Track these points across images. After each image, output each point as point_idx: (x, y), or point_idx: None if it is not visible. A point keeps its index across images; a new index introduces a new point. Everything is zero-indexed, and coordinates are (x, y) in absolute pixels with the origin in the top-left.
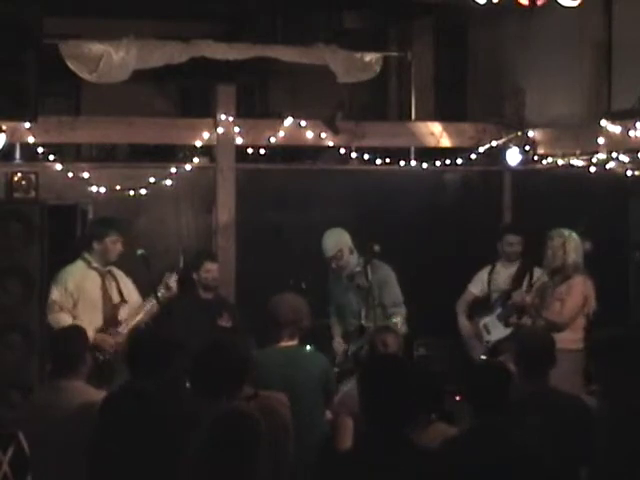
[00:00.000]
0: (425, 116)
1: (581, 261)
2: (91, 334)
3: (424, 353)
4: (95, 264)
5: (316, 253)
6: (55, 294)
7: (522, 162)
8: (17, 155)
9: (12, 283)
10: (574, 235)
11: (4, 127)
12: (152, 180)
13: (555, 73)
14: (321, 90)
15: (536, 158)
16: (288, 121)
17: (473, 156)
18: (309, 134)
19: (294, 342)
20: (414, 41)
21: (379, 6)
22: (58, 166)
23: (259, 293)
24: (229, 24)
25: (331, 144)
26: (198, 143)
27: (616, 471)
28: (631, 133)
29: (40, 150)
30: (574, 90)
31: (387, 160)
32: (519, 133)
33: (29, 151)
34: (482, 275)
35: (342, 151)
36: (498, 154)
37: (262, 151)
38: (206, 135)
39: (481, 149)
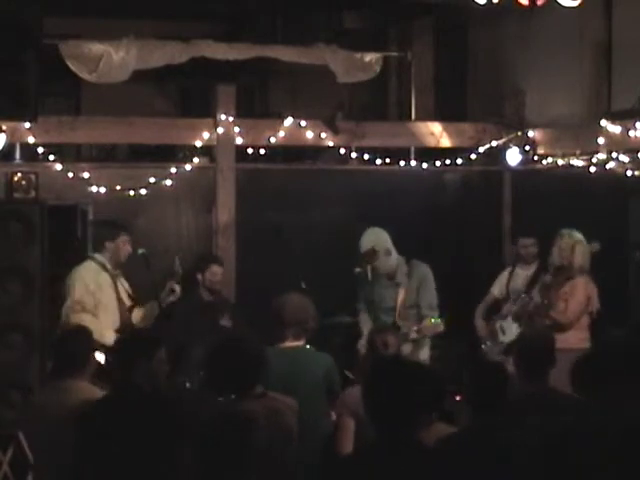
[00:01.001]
0: (425, 116)
1: (587, 266)
2: (112, 335)
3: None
4: (108, 265)
5: (316, 253)
6: (77, 293)
7: (522, 162)
8: (17, 155)
9: (12, 283)
10: (584, 240)
11: (4, 127)
12: (152, 180)
13: (555, 73)
14: (321, 90)
15: (536, 158)
16: (288, 121)
17: (473, 156)
18: (309, 134)
19: (299, 342)
20: (414, 41)
21: (379, 6)
22: (58, 166)
23: (259, 293)
24: (229, 24)
25: (331, 144)
26: (198, 143)
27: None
28: (631, 133)
29: (40, 150)
30: (574, 90)
31: (387, 160)
32: (519, 133)
33: (29, 151)
34: (502, 277)
35: (342, 151)
36: (498, 154)
37: (262, 151)
38: (206, 135)
39: (481, 149)
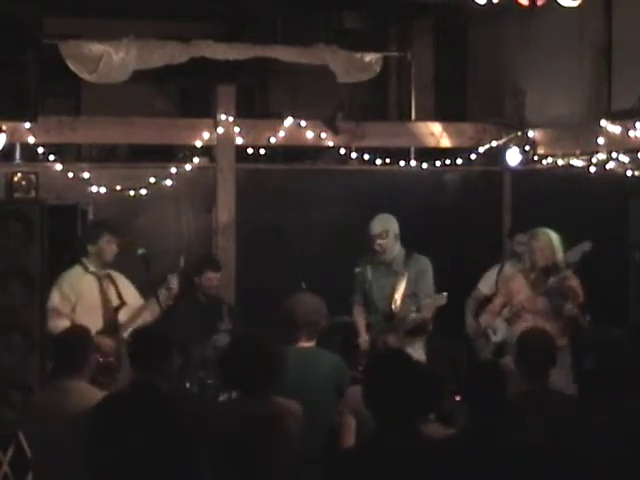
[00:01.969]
0: (425, 116)
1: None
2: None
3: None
4: (92, 268)
5: (316, 253)
6: (53, 300)
7: (522, 162)
8: (17, 155)
9: (12, 283)
10: (553, 234)
11: (4, 127)
12: (152, 180)
13: (555, 73)
14: (321, 90)
15: (536, 158)
16: (288, 121)
17: (473, 156)
18: (309, 134)
19: (311, 343)
20: (414, 41)
21: (379, 6)
22: (58, 166)
23: (259, 293)
24: (229, 24)
25: (331, 144)
26: (198, 143)
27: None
28: (631, 133)
29: (40, 150)
30: (574, 90)
31: (387, 160)
32: (519, 133)
33: (29, 151)
34: (491, 275)
35: (342, 151)
36: (498, 154)
37: (262, 151)
38: (206, 135)
39: (481, 149)
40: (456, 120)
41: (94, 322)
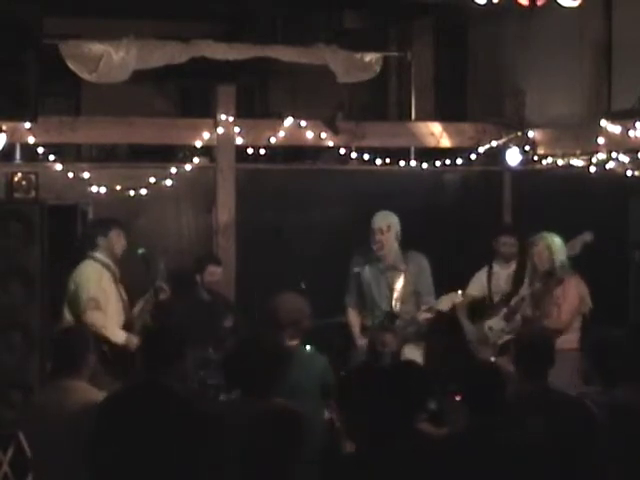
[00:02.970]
0: (425, 116)
1: (567, 260)
2: (120, 332)
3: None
4: (107, 262)
5: (316, 253)
6: (92, 290)
7: (522, 162)
8: (17, 155)
9: (12, 283)
10: (556, 237)
11: (4, 127)
12: (152, 180)
13: (555, 73)
14: (321, 90)
15: (536, 158)
16: (288, 121)
17: (473, 156)
18: (309, 134)
19: (295, 343)
20: (414, 41)
21: (379, 6)
22: (58, 166)
23: (259, 293)
24: (229, 24)
25: (331, 144)
26: (198, 143)
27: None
28: (631, 133)
29: (40, 150)
30: (574, 90)
31: (387, 160)
32: (519, 133)
33: (29, 151)
34: (481, 276)
35: (342, 151)
36: (498, 154)
37: (262, 151)
38: (206, 135)
39: (481, 149)
40: (456, 120)
41: (119, 317)
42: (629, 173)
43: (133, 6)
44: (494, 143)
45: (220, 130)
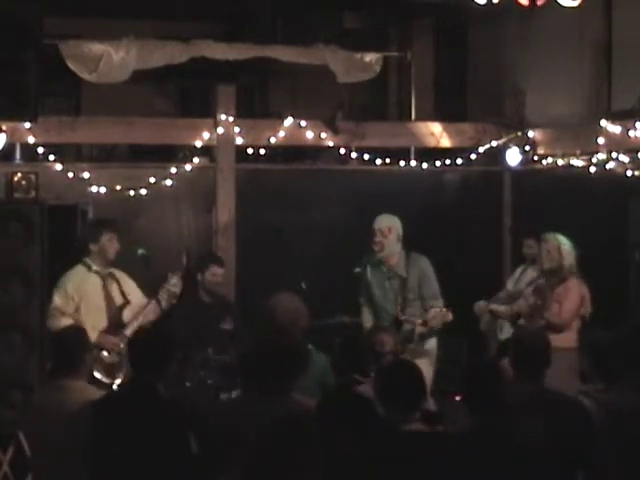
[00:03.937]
0: (425, 116)
1: (575, 266)
2: (94, 336)
3: None
4: (95, 267)
5: (316, 253)
6: (56, 300)
7: (522, 162)
8: (17, 155)
9: (12, 283)
10: (567, 240)
11: (4, 127)
12: (152, 180)
13: (555, 73)
14: (321, 90)
15: (536, 158)
16: (288, 121)
17: (473, 156)
18: (309, 134)
19: None
20: (414, 41)
21: (379, 6)
22: (58, 166)
23: (259, 293)
24: (229, 24)
25: (331, 144)
26: (198, 143)
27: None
28: (631, 133)
29: (40, 150)
30: (574, 90)
31: (387, 160)
32: (519, 133)
33: (29, 151)
34: (516, 273)
35: (342, 151)
36: (498, 154)
37: (262, 151)
38: (206, 135)
39: (481, 149)
40: (456, 120)
41: (99, 321)
42: (629, 173)
43: (133, 6)
44: (494, 143)
45: (220, 130)
